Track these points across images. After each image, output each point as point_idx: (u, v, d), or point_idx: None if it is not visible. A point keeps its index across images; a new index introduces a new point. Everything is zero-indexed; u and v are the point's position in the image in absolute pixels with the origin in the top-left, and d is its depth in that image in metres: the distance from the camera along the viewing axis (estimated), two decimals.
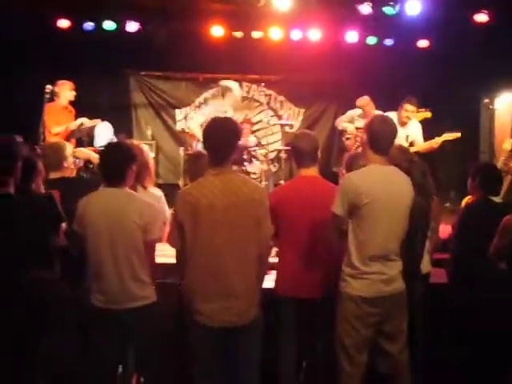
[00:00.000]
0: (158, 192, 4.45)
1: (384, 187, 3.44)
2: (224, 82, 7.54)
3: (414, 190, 3.59)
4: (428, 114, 7.71)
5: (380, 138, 3.53)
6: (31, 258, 3.11)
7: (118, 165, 3.59)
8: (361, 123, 7.55)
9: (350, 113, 7.97)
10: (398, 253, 3.51)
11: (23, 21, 7.83)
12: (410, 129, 7.51)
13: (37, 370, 3.04)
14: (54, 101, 7.33)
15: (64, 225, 3.87)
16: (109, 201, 3.55)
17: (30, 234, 3.32)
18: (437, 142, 7.38)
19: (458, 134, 7.46)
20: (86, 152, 5.36)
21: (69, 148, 4.90)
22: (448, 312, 4.63)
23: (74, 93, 7.51)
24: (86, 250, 3.55)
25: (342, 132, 7.96)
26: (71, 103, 7.62)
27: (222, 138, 3.40)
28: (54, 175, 4.65)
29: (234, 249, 3.29)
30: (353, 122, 7.93)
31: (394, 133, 3.60)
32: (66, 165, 4.74)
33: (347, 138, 7.84)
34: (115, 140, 6.88)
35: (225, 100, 7.31)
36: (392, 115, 5.92)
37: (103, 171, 3.68)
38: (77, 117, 7.62)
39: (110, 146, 3.95)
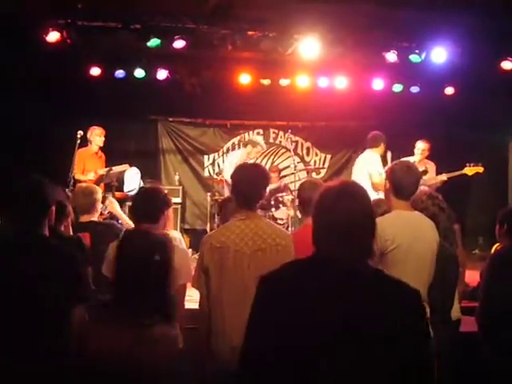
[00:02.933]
0: (177, 234, 4.47)
1: (409, 232, 3.43)
2: (253, 137, 7.83)
3: (440, 236, 3.57)
4: (480, 169, 7.77)
5: (403, 185, 3.53)
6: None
7: (152, 208, 3.58)
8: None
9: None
10: (426, 299, 3.47)
11: (57, 67, 8.04)
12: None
13: None
14: (86, 146, 7.51)
15: (90, 269, 3.87)
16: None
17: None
18: (454, 175, 7.48)
19: (480, 169, 7.51)
20: (116, 208, 5.35)
21: (100, 192, 4.97)
22: (478, 362, 4.51)
23: (103, 138, 7.70)
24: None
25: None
26: (101, 149, 7.81)
27: (251, 183, 3.43)
28: (84, 218, 4.72)
29: None
30: None
31: (417, 178, 3.60)
32: (96, 209, 4.81)
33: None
34: (143, 185, 6.97)
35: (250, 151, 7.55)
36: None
37: (136, 214, 3.70)
38: (107, 162, 7.80)
39: (145, 189, 3.90)
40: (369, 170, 7.27)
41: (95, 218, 4.80)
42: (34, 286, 2.85)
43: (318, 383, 1.95)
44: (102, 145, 7.83)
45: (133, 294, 2.50)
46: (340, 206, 2.09)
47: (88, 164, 7.64)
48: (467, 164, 7.71)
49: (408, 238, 3.41)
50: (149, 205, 3.60)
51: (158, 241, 2.57)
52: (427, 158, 8.02)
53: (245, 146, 7.80)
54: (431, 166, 7.99)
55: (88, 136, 7.61)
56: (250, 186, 3.42)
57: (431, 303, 3.52)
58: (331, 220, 2.10)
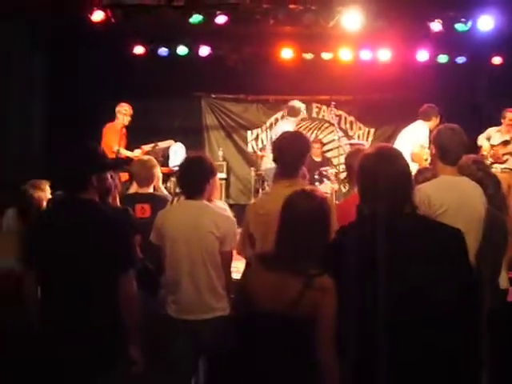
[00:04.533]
0: (223, 205, 4.52)
1: (456, 197, 3.40)
2: (291, 103, 7.69)
3: (488, 202, 3.53)
4: None
5: (449, 149, 3.50)
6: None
7: (198, 177, 3.63)
8: (497, 140, 7.61)
9: (489, 130, 7.94)
10: (473, 263, 3.45)
11: (102, 46, 8.17)
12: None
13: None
14: (114, 121, 7.56)
15: (138, 237, 3.96)
16: (187, 212, 3.59)
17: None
18: None
19: None
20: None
21: (158, 167, 5.09)
22: None
23: (129, 118, 7.67)
24: (163, 261, 3.64)
25: (479, 148, 7.87)
26: (127, 127, 7.78)
27: (292, 150, 3.47)
28: (143, 190, 4.85)
29: None
30: (490, 138, 7.91)
31: (463, 143, 3.57)
32: (154, 181, 4.93)
33: (482, 155, 7.69)
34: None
35: (291, 119, 7.46)
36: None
37: (183, 183, 3.76)
38: (150, 138, 7.85)
39: (190, 158, 3.89)
40: (412, 140, 7.20)
41: (152, 190, 4.93)
42: (83, 251, 2.94)
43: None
44: (127, 123, 7.72)
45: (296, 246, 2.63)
46: (379, 168, 2.39)
47: (115, 138, 7.52)
48: None
49: (455, 203, 3.38)
50: (193, 174, 3.67)
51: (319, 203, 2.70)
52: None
53: (290, 115, 7.69)
54: None
55: (117, 110, 7.64)
56: (291, 153, 3.46)
57: (478, 269, 3.51)
58: (373, 182, 2.39)
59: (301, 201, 2.71)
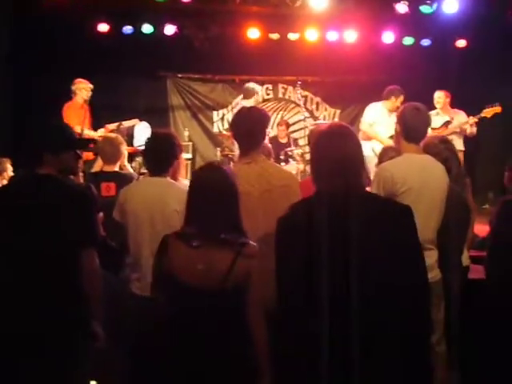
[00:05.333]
0: (188, 183, 4.49)
1: (419, 176, 3.43)
2: (246, 85, 7.71)
3: (451, 180, 3.57)
4: (498, 109, 7.70)
5: (413, 127, 3.54)
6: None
7: (165, 153, 3.61)
8: (437, 123, 7.67)
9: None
10: (435, 242, 3.50)
11: (64, 24, 8.00)
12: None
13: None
14: (72, 100, 7.37)
15: (101, 215, 3.91)
16: (150, 189, 3.58)
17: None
18: (476, 119, 7.54)
19: (498, 109, 7.50)
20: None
21: (125, 145, 5.04)
22: (485, 309, 4.55)
23: (90, 93, 7.38)
24: (126, 239, 3.60)
25: None
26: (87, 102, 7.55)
27: (250, 125, 3.44)
28: (108, 168, 4.79)
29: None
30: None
31: (427, 121, 3.60)
32: (120, 160, 4.88)
33: None
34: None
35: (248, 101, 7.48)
36: None
37: (148, 159, 3.73)
38: (114, 117, 7.74)
39: (157, 134, 3.87)
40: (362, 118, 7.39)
41: (117, 168, 4.88)
42: (43, 226, 2.90)
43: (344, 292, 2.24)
44: (87, 98, 7.33)
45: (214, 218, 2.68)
46: (330, 147, 2.43)
47: (76, 117, 7.11)
48: (485, 106, 7.69)
49: (418, 181, 3.42)
50: (159, 151, 3.63)
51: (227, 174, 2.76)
52: (452, 106, 7.99)
53: (246, 97, 7.72)
54: (458, 115, 7.95)
55: (73, 89, 7.37)
56: (250, 128, 3.44)
57: (441, 247, 3.56)
58: (325, 159, 2.43)
59: (207, 174, 2.75)
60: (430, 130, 7.60)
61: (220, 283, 2.60)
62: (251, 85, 7.71)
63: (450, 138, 7.52)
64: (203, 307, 2.62)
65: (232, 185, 2.74)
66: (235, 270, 2.62)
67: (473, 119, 7.72)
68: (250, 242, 2.70)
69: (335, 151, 2.39)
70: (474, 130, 7.78)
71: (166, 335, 2.69)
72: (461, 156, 7.75)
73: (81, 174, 4.32)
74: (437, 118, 7.79)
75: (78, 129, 6.76)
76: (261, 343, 2.67)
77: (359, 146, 2.50)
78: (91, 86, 7.43)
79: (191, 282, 2.63)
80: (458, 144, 7.76)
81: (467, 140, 7.89)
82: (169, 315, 2.70)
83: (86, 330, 2.96)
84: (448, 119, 7.78)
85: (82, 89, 7.33)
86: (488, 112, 7.62)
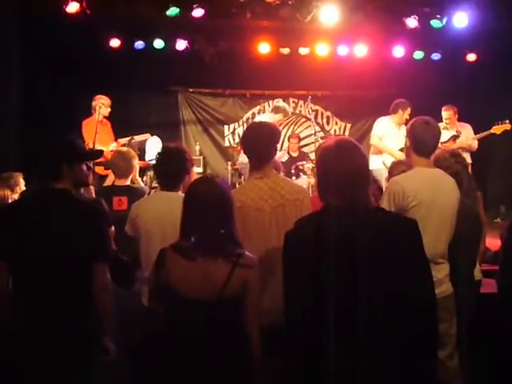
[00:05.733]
0: None
1: (430, 189, 3.43)
2: (278, 103, 7.78)
3: (462, 194, 3.57)
4: (508, 126, 7.72)
5: (423, 141, 3.54)
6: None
7: (176, 167, 3.64)
8: (444, 137, 7.66)
9: None
10: (446, 255, 3.49)
11: (77, 39, 8.09)
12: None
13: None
14: (92, 116, 7.46)
15: (112, 229, 3.93)
16: (161, 204, 3.59)
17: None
18: (483, 135, 7.64)
19: (508, 126, 7.50)
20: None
21: (137, 159, 5.08)
22: (497, 324, 4.51)
23: (108, 109, 7.55)
24: (138, 253, 3.61)
25: None
26: (107, 118, 7.69)
27: (261, 141, 3.45)
28: (120, 182, 4.82)
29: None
30: None
31: (437, 135, 3.60)
32: (131, 174, 4.90)
33: None
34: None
35: (275, 116, 7.49)
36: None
37: (160, 173, 3.76)
38: (126, 132, 7.80)
39: (169, 148, 3.89)
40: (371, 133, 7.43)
41: (129, 182, 4.90)
42: (56, 241, 2.91)
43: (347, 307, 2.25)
44: (106, 115, 7.59)
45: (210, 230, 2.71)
46: (335, 163, 2.41)
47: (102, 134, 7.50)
48: (495, 123, 7.69)
49: (429, 195, 3.41)
50: (171, 166, 3.65)
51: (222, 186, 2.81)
52: (459, 120, 7.97)
53: (275, 112, 7.73)
54: (465, 129, 7.96)
55: (93, 105, 7.46)
56: (260, 143, 3.44)
57: (453, 260, 3.55)
58: (331, 174, 2.42)
59: (200, 187, 2.78)
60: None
61: (217, 294, 2.63)
62: (281, 103, 7.82)
63: None
64: (201, 319, 2.64)
65: (227, 197, 2.78)
66: (232, 280, 2.64)
67: (481, 136, 7.74)
68: (247, 252, 2.71)
69: (341, 165, 2.40)
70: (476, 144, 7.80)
71: (164, 348, 2.71)
72: (469, 169, 7.79)
73: (92, 187, 4.33)
74: (444, 132, 7.80)
75: (90, 144, 6.86)
76: (257, 350, 2.70)
77: (365, 160, 2.52)
78: (109, 102, 7.55)
79: (189, 294, 2.66)
80: (466, 157, 7.78)
81: (476, 153, 7.87)
82: (167, 327, 2.71)
83: (98, 344, 2.96)
84: (455, 133, 7.78)
85: (102, 105, 7.43)
86: (497, 129, 7.65)
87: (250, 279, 2.67)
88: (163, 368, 2.71)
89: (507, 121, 7.64)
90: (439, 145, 7.64)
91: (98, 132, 6.92)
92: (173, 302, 2.69)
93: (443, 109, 7.85)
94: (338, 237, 2.28)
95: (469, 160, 7.72)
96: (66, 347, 2.89)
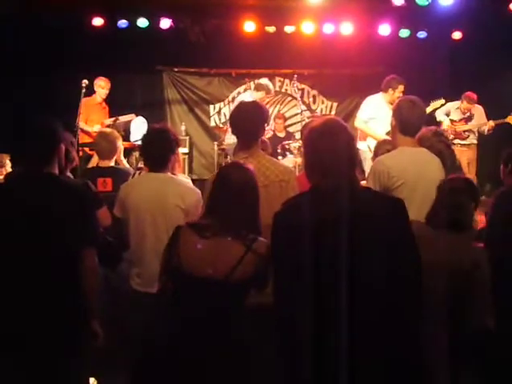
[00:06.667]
0: (187, 179, 4.50)
1: (415, 169, 3.45)
2: (261, 80, 7.71)
3: (446, 172, 3.59)
4: (442, 101, 7.86)
5: (408, 121, 3.55)
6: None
7: (162, 148, 3.61)
8: (457, 116, 7.70)
9: (449, 105, 8.05)
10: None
11: (60, 19, 7.99)
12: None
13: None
14: (91, 96, 7.53)
15: (105, 209, 3.92)
16: (151, 185, 3.58)
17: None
18: (498, 122, 7.99)
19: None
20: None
21: (121, 140, 5.06)
22: None
23: (106, 91, 7.77)
24: (126, 234, 3.60)
25: (439, 124, 7.95)
26: (105, 100, 7.83)
27: (249, 121, 3.45)
28: (104, 163, 4.80)
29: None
30: (449, 114, 8.04)
31: (422, 114, 3.62)
32: (116, 155, 4.88)
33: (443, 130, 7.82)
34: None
35: (257, 93, 7.41)
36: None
37: (146, 154, 3.74)
38: (113, 112, 7.82)
39: (154, 129, 3.87)
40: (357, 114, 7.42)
41: (113, 163, 4.88)
42: (44, 224, 2.89)
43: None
44: (104, 97, 7.90)
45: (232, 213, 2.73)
46: (322, 144, 2.42)
47: (92, 114, 7.71)
48: (510, 113, 7.81)
49: (414, 174, 3.43)
50: (156, 147, 3.63)
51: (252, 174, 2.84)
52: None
53: (257, 90, 7.68)
54: (478, 111, 8.04)
55: (94, 86, 7.63)
56: (249, 123, 3.45)
57: None
58: (318, 155, 2.43)
59: (233, 172, 2.81)
60: (448, 122, 7.80)
61: (225, 275, 2.64)
62: (265, 81, 7.73)
63: (466, 134, 7.77)
64: (206, 297, 2.66)
65: (255, 186, 2.81)
66: (243, 264, 2.65)
67: (493, 123, 7.86)
68: (261, 238, 2.71)
69: (328, 145, 2.41)
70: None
71: (167, 325, 2.72)
72: (474, 150, 7.91)
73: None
74: (457, 112, 7.91)
75: (77, 124, 6.88)
76: None
77: (352, 141, 2.52)
78: (108, 85, 7.88)
79: (197, 271, 2.67)
80: (472, 138, 7.91)
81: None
82: (172, 303, 2.74)
83: (87, 329, 2.96)
84: (468, 115, 7.88)
85: (99, 87, 7.72)
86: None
87: (260, 266, 2.67)
88: (166, 347, 2.70)
89: None
90: (449, 123, 7.82)
91: (81, 113, 6.93)
92: (181, 277, 2.72)
93: (467, 95, 7.97)
94: (326, 217, 2.30)
95: (474, 140, 7.88)
96: (56, 332, 2.88)
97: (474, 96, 7.99)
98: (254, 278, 2.68)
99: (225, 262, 2.65)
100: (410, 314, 2.39)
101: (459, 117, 7.97)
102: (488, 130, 8.01)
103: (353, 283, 2.26)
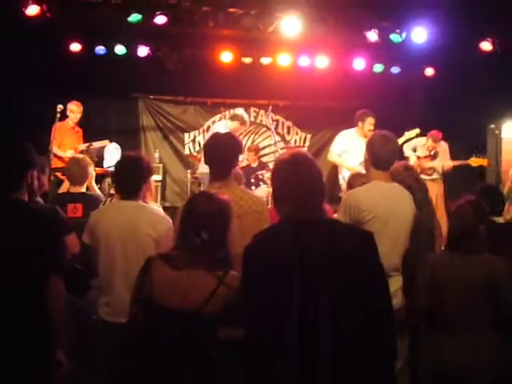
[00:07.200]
0: (158, 207, 4.49)
1: (386, 203, 3.48)
2: (237, 111, 7.75)
3: (416, 207, 3.63)
4: (485, 162, 8.05)
5: (381, 155, 3.59)
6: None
7: (134, 177, 3.59)
8: (423, 153, 7.92)
9: (416, 141, 8.16)
10: (399, 268, 3.54)
11: (37, 43, 7.98)
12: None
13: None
14: (64, 120, 7.50)
15: (74, 236, 3.87)
16: (121, 212, 3.55)
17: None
18: (459, 163, 8.09)
19: (485, 161, 7.98)
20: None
21: (92, 166, 5.04)
22: None
23: (78, 115, 7.77)
24: (95, 262, 3.56)
25: (405, 159, 8.05)
26: (78, 124, 7.80)
27: (223, 152, 3.47)
28: (75, 189, 4.76)
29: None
30: (415, 150, 8.17)
31: (395, 149, 3.66)
32: (87, 181, 4.85)
33: None
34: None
35: (232, 123, 7.44)
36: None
37: (118, 182, 3.71)
38: (88, 138, 7.80)
39: (127, 157, 3.86)
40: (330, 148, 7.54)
41: (84, 189, 4.85)
42: (9, 249, 2.84)
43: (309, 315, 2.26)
44: (76, 121, 7.86)
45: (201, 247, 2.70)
46: (289, 174, 2.44)
47: (65, 139, 7.68)
48: (473, 154, 7.93)
49: (385, 209, 3.46)
50: (129, 175, 3.61)
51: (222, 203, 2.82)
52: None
53: (232, 119, 7.68)
54: (442, 148, 8.18)
55: (66, 111, 7.61)
56: (222, 154, 3.47)
57: (406, 272, 3.60)
58: (287, 187, 2.45)
59: (201, 202, 2.80)
60: (414, 158, 7.93)
61: (198, 307, 2.62)
62: (240, 111, 7.76)
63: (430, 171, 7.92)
64: (178, 330, 2.63)
65: (225, 216, 2.79)
66: (215, 297, 2.63)
67: (453, 164, 8.01)
68: (233, 272, 2.70)
69: (295, 178, 2.42)
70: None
71: (139, 356, 2.68)
72: (440, 184, 8.05)
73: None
74: (423, 149, 8.04)
75: (50, 148, 6.84)
76: None
77: (319, 173, 2.53)
78: (81, 108, 7.87)
79: (169, 303, 2.65)
80: (436, 174, 8.06)
81: None
82: (143, 334, 2.69)
83: (50, 357, 2.90)
84: (433, 153, 8.04)
85: (71, 112, 7.80)
86: (475, 161, 7.95)
87: (231, 299, 2.64)
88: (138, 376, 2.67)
89: (486, 157, 8.09)
90: (416, 159, 7.94)
91: (55, 138, 6.90)
92: (152, 309, 2.69)
93: (431, 134, 8.08)
94: (296, 250, 2.29)
95: (437, 176, 8.03)
96: (18, 361, 2.81)
97: (439, 135, 8.12)
98: (226, 310, 2.65)
99: (196, 294, 2.63)
100: (383, 351, 2.37)
101: (425, 153, 8.13)
102: (447, 170, 8.16)
103: (325, 316, 2.25)
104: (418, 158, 8.18)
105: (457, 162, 8.09)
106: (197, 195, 2.95)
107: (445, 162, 8.14)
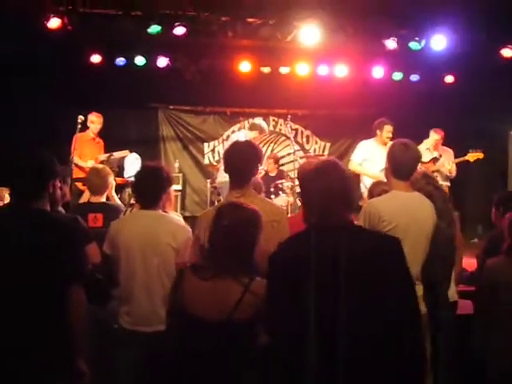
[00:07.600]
0: (178, 216, 4.49)
1: (406, 213, 3.44)
2: (256, 120, 7.75)
3: (437, 214, 3.59)
4: (480, 155, 8.00)
5: (401, 164, 3.56)
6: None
7: (154, 187, 3.60)
8: (426, 157, 7.80)
9: (420, 147, 8.12)
10: (420, 277, 3.50)
11: (59, 55, 8.08)
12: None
13: None
14: (85, 131, 7.57)
15: (94, 245, 3.89)
16: (143, 223, 3.56)
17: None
18: (457, 161, 7.90)
19: (481, 155, 7.79)
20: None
21: (112, 176, 5.07)
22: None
23: (98, 126, 7.84)
24: (116, 272, 3.58)
25: None
26: (99, 135, 7.86)
27: (242, 160, 3.46)
28: (95, 199, 4.80)
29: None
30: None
31: (416, 158, 3.63)
32: (107, 191, 4.88)
33: None
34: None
35: (251, 133, 7.44)
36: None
37: (138, 192, 3.72)
38: (107, 148, 7.86)
39: (147, 167, 3.87)
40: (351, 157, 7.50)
41: (104, 199, 4.88)
42: (30, 260, 2.85)
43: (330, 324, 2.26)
44: (96, 132, 7.90)
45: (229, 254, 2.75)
46: (315, 183, 2.47)
47: (86, 149, 7.71)
48: (469, 150, 7.84)
49: (405, 219, 3.42)
50: (149, 185, 3.63)
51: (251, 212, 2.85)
52: (443, 144, 8.16)
53: (251, 129, 7.68)
54: (446, 153, 8.09)
55: (87, 122, 7.68)
56: (242, 162, 3.46)
57: (428, 283, 3.56)
58: (311, 196, 2.50)
59: (230, 212, 2.83)
60: (419, 165, 7.83)
61: (227, 316, 2.64)
62: (259, 121, 7.76)
63: (435, 174, 7.82)
64: (209, 338, 2.67)
65: (253, 226, 2.82)
66: (242, 304, 2.65)
67: (456, 161, 7.93)
68: (258, 278, 2.72)
69: (323, 187, 2.43)
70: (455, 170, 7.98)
71: (171, 366, 2.74)
72: (444, 189, 7.94)
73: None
74: (426, 153, 7.93)
75: (71, 159, 6.91)
76: None
77: (348, 180, 2.53)
78: (99, 120, 7.88)
79: (200, 313, 2.69)
80: (440, 179, 7.92)
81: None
82: (176, 344, 2.75)
83: (72, 367, 2.92)
84: (436, 156, 7.91)
85: (91, 122, 7.78)
86: (471, 156, 7.89)
87: (260, 306, 2.64)
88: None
89: (480, 149, 7.92)
90: (420, 165, 7.86)
91: (75, 148, 6.96)
92: (185, 320, 2.74)
93: (432, 131, 7.99)
94: (321, 259, 2.31)
95: (447, 182, 7.89)
96: (40, 371, 2.83)
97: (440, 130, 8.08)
98: (256, 318, 2.66)
99: (225, 303, 2.66)
100: (412, 361, 2.34)
101: (428, 158, 8.05)
102: (451, 173, 8.04)
103: (350, 323, 2.24)
104: (422, 163, 8.09)
105: (456, 160, 8.00)
106: (225, 205, 2.95)
107: (446, 160, 8.05)
